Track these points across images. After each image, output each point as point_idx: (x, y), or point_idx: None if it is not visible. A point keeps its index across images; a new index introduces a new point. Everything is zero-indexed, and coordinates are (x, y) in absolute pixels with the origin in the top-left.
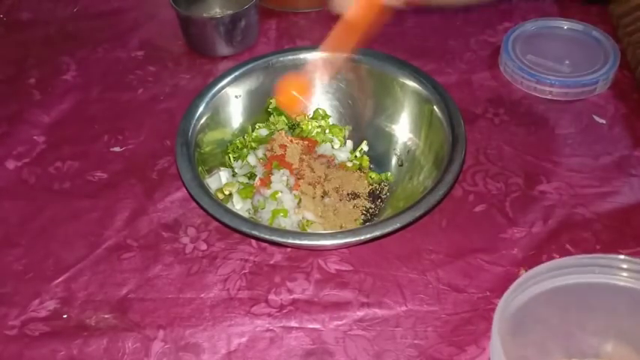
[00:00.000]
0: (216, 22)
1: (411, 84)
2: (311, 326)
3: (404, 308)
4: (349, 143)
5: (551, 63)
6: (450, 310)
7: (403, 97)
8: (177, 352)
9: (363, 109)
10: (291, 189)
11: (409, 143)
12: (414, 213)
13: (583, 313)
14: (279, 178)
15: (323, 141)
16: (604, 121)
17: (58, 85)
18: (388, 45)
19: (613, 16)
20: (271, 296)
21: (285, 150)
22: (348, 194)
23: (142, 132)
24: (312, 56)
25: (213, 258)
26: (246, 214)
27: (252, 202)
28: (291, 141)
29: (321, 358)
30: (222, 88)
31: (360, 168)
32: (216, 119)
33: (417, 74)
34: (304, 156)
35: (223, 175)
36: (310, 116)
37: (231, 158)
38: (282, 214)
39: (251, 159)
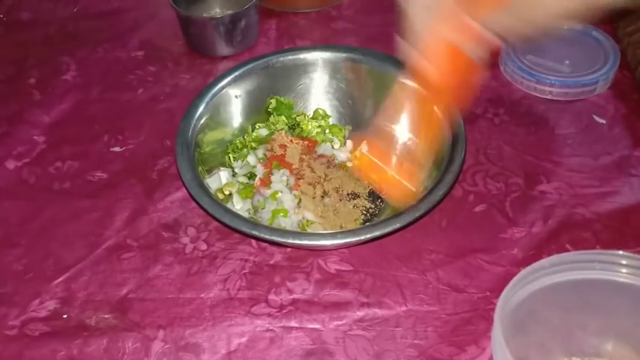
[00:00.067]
0: (216, 22)
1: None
2: (311, 326)
3: (404, 308)
4: (349, 143)
5: (551, 63)
6: (450, 310)
7: (403, 97)
8: (177, 352)
9: (363, 109)
10: (291, 189)
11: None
12: (414, 213)
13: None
14: (279, 178)
15: (323, 141)
16: (604, 121)
17: (58, 85)
18: (388, 45)
19: (613, 16)
20: (271, 296)
21: (285, 150)
22: (348, 194)
23: (142, 132)
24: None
25: (213, 258)
26: (246, 214)
27: (252, 202)
28: (291, 141)
29: (321, 358)
30: (222, 88)
31: None
32: (216, 119)
33: None
34: (304, 156)
35: (223, 175)
36: (310, 116)
37: (231, 158)
38: (282, 214)
39: (251, 159)
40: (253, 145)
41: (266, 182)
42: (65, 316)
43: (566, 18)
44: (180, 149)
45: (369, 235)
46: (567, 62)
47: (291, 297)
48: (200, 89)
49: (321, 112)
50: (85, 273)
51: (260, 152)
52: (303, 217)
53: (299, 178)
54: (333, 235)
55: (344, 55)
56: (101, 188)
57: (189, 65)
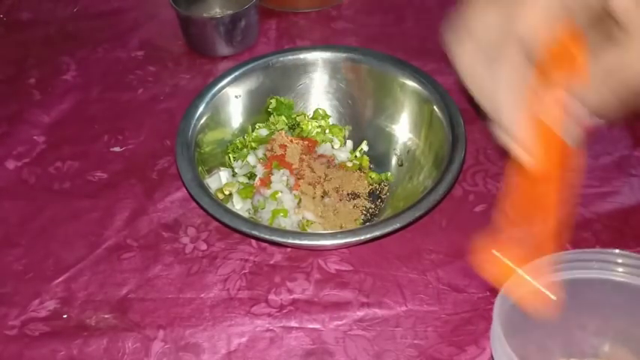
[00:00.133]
0: (216, 22)
1: (411, 84)
2: (311, 326)
3: (404, 308)
4: (349, 143)
5: None
6: (450, 310)
7: (403, 97)
8: (177, 352)
9: (363, 109)
10: (291, 189)
11: (409, 143)
12: (414, 213)
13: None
14: (279, 178)
15: (323, 141)
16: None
17: (58, 85)
18: (388, 45)
19: None
20: (271, 296)
21: (285, 150)
22: (348, 194)
23: (142, 132)
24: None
25: (213, 258)
26: (246, 214)
27: (252, 202)
28: (291, 141)
29: (321, 358)
30: (222, 88)
31: (360, 168)
32: (216, 119)
33: (417, 74)
34: (304, 156)
35: (223, 175)
36: (310, 116)
37: (231, 158)
38: (282, 214)
39: (251, 159)
40: (253, 145)
41: (266, 182)
42: (65, 316)
43: None
44: (180, 149)
45: (369, 235)
46: None
47: (291, 297)
48: (200, 89)
49: (321, 112)
50: (85, 273)
51: (260, 152)
52: (303, 217)
53: (299, 178)
54: (333, 235)
55: (344, 55)
56: (101, 188)
57: (189, 65)
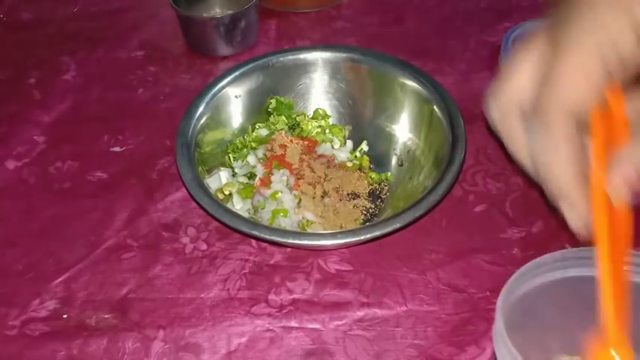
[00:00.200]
0: (216, 22)
1: (411, 84)
2: (311, 326)
3: (404, 308)
4: (349, 143)
5: None
6: (450, 310)
7: (403, 97)
8: (177, 352)
9: (363, 109)
10: (291, 189)
11: (409, 143)
12: (414, 213)
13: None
14: (279, 178)
15: (323, 141)
16: None
17: (58, 85)
18: (388, 45)
19: None
20: (271, 296)
21: (285, 150)
22: (348, 194)
23: (142, 132)
24: (313, 56)
25: (213, 258)
26: (246, 214)
27: (252, 202)
28: (291, 141)
29: (321, 358)
30: (222, 88)
31: (360, 168)
32: (216, 119)
33: (417, 74)
34: (304, 156)
35: (223, 175)
36: (310, 116)
37: (231, 158)
38: (282, 214)
39: (251, 159)
40: (253, 145)
41: (266, 182)
42: (65, 316)
43: None
44: (180, 149)
45: (369, 235)
46: None
47: (291, 297)
48: (200, 89)
49: (321, 112)
50: (85, 273)
51: (260, 152)
52: (303, 217)
53: (299, 178)
54: (333, 235)
55: (344, 55)
56: (101, 188)
57: (189, 65)
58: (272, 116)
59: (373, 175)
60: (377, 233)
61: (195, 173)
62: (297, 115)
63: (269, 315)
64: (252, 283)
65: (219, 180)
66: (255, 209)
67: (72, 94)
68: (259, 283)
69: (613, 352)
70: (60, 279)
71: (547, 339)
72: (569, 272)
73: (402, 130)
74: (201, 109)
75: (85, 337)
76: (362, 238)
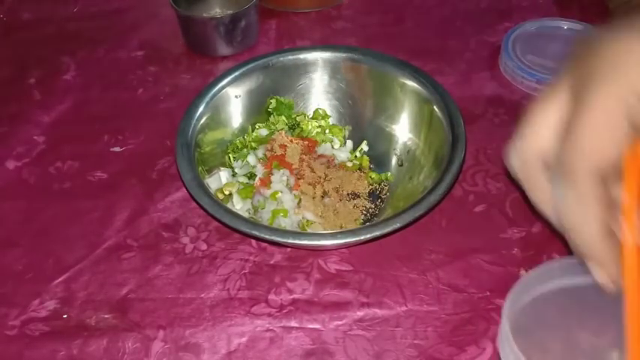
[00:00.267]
0: (216, 22)
1: (411, 84)
2: (311, 326)
3: (404, 308)
4: (349, 143)
5: (552, 63)
6: (450, 310)
7: (403, 97)
8: (177, 352)
9: (363, 109)
10: (291, 189)
11: (409, 143)
12: (414, 213)
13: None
14: (279, 178)
15: (323, 141)
16: None
17: (58, 85)
18: (388, 45)
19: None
20: (271, 296)
21: (285, 150)
22: (348, 194)
23: (142, 132)
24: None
25: (213, 258)
26: (246, 214)
27: (252, 202)
28: (291, 141)
29: (321, 358)
30: (222, 88)
31: (360, 168)
32: (216, 119)
33: (417, 74)
34: (304, 156)
35: (223, 175)
36: (310, 116)
37: (231, 158)
38: (282, 214)
39: (251, 159)
40: (253, 145)
41: (266, 182)
42: (65, 316)
43: None
44: (180, 149)
45: (369, 235)
46: None
47: (291, 297)
48: (200, 89)
49: (321, 112)
50: (85, 273)
51: (260, 152)
52: (303, 217)
53: (299, 178)
54: (333, 235)
55: (344, 55)
56: (101, 188)
57: (189, 65)
58: (272, 116)
59: (373, 175)
60: (377, 233)
61: (195, 173)
62: (297, 115)
63: (269, 315)
64: (252, 283)
65: (219, 180)
66: (255, 209)
67: (72, 94)
68: (259, 283)
69: None
70: (60, 279)
71: (554, 347)
72: (576, 279)
73: (402, 130)
74: (201, 109)
75: (85, 337)
76: (362, 238)
